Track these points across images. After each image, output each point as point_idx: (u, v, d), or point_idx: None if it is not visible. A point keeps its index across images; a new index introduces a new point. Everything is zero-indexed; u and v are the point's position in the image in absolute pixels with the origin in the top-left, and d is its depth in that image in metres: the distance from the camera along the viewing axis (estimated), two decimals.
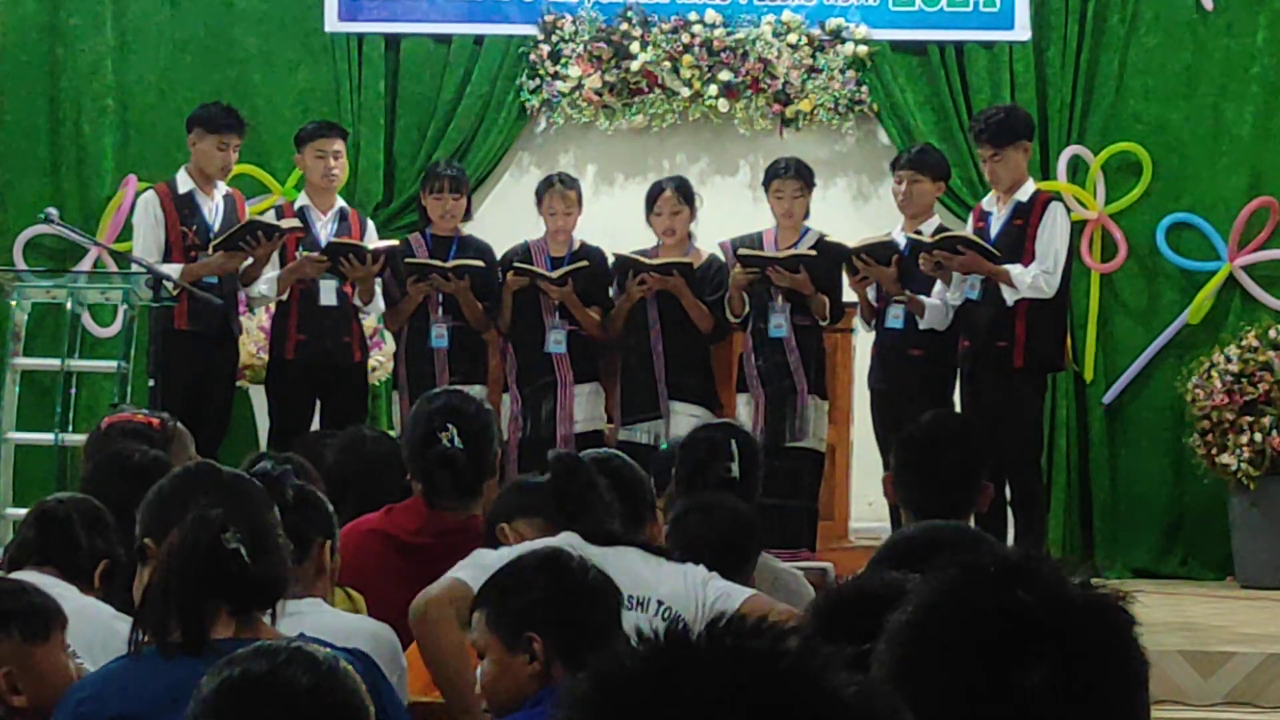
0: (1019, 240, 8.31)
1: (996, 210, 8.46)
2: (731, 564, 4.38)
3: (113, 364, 8.60)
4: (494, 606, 3.39)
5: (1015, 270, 8.24)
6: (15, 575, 3.99)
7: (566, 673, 3.27)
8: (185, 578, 3.01)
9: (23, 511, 7.85)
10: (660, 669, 1.47)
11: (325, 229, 8.66)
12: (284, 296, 8.62)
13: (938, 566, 1.84)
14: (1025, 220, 8.34)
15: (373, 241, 8.65)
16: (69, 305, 8.61)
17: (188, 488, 3.22)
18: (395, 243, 8.83)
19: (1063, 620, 1.74)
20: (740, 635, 1.48)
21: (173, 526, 3.10)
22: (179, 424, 5.69)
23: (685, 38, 9.96)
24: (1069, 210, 8.81)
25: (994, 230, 8.39)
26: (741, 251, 8.44)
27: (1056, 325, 8.52)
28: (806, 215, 8.61)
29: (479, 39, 10.10)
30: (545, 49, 10.00)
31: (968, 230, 8.57)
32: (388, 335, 9.30)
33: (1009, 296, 8.26)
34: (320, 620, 3.53)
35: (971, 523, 4.65)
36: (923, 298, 8.38)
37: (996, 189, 8.49)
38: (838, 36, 9.96)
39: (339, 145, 8.74)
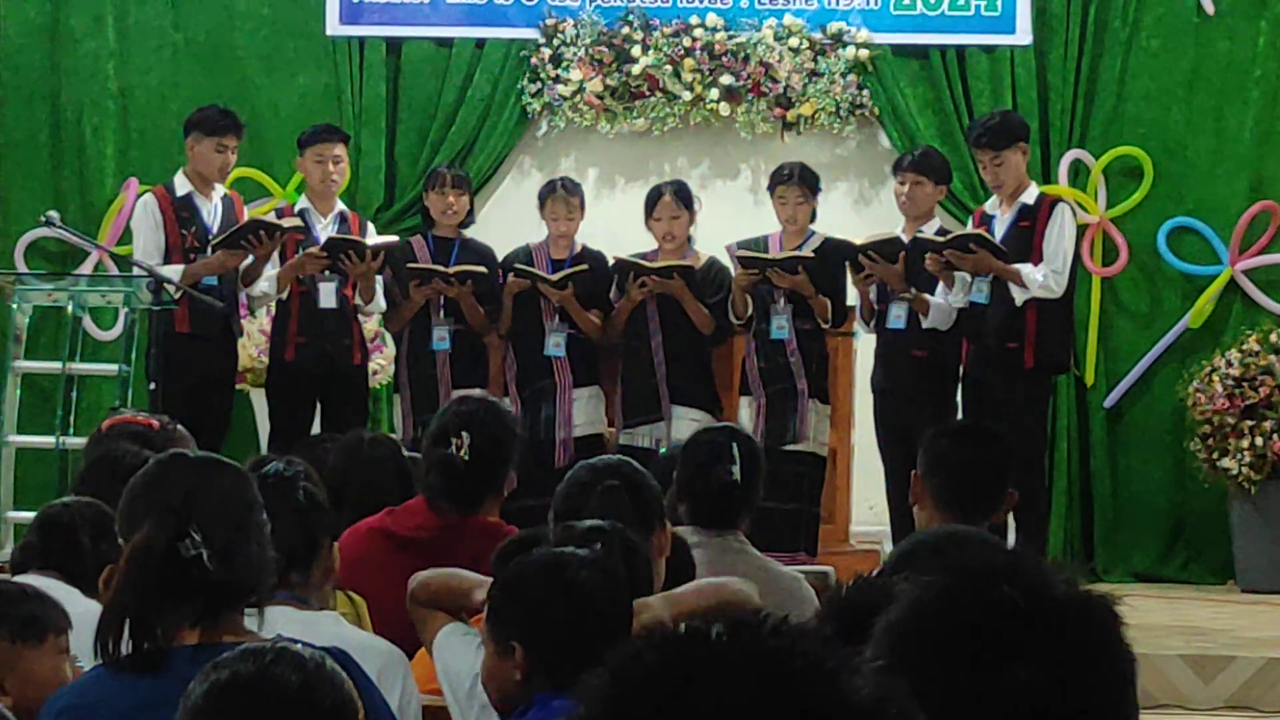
0: (1026, 242, 8.31)
1: (1000, 214, 8.46)
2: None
3: (114, 367, 8.61)
4: (493, 603, 3.34)
5: (1026, 269, 8.24)
6: (18, 579, 3.99)
7: (550, 685, 3.21)
8: (139, 589, 2.93)
9: (23, 514, 7.90)
10: (677, 666, 1.47)
11: (325, 232, 8.65)
12: (284, 296, 8.62)
13: (922, 570, 1.85)
14: (1032, 222, 8.35)
15: (372, 239, 8.65)
16: (70, 308, 8.61)
17: (156, 482, 3.09)
18: (394, 238, 8.83)
19: (1049, 616, 1.76)
20: (758, 635, 1.49)
21: (141, 525, 3.00)
22: (179, 426, 5.70)
23: (686, 41, 9.96)
24: (1075, 212, 8.81)
25: (998, 233, 8.39)
26: (740, 253, 8.45)
27: (1065, 326, 8.54)
28: (812, 219, 8.61)
29: (480, 42, 10.10)
30: (546, 52, 10.01)
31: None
32: (388, 338, 9.31)
33: (1019, 296, 8.26)
34: (335, 634, 3.50)
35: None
36: (926, 296, 8.38)
37: (999, 194, 8.48)
38: (839, 40, 9.96)
39: (340, 150, 8.73)
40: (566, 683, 3.15)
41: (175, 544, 2.94)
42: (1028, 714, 1.73)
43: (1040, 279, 8.24)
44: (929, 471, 4.58)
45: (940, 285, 8.39)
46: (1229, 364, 9.38)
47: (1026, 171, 8.62)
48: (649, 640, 1.50)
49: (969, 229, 8.57)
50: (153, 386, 8.01)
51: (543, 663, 3.23)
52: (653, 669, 1.48)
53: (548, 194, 8.76)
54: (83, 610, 3.77)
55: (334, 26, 10.06)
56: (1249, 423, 9.25)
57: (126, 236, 9.32)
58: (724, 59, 9.94)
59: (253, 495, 3.11)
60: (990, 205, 8.58)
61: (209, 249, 8.43)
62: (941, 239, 8.33)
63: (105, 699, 2.94)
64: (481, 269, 8.54)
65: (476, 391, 8.33)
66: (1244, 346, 9.44)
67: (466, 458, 4.84)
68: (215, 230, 8.48)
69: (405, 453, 5.54)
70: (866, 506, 9.21)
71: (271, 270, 8.58)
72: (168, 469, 3.12)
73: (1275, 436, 9.20)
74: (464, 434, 4.84)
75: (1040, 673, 1.73)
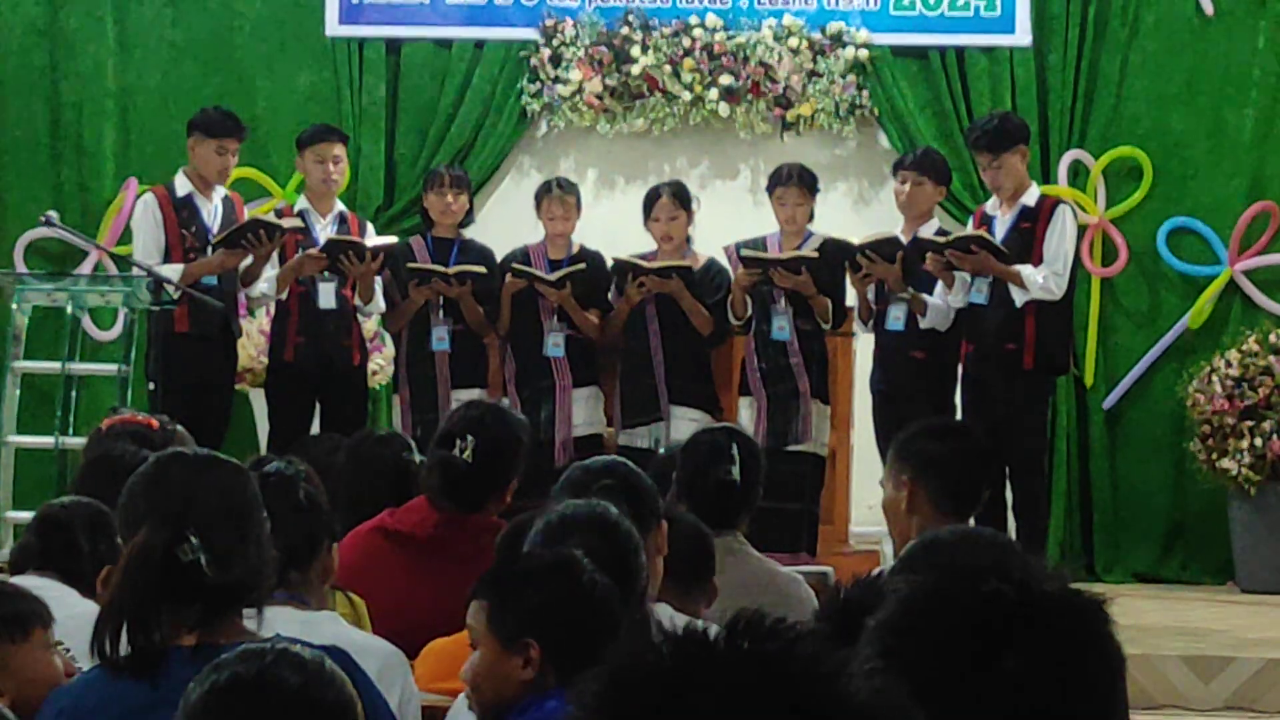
0: (1027, 243, 8.31)
1: (1000, 214, 8.46)
2: (689, 579, 4.41)
3: (113, 367, 8.60)
4: (496, 603, 3.30)
5: (1027, 270, 8.24)
6: (15, 579, 4.00)
7: (558, 682, 3.20)
8: (136, 592, 2.90)
9: (23, 515, 7.89)
10: (676, 669, 1.48)
11: (325, 232, 8.66)
12: (283, 297, 8.62)
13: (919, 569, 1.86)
14: (1033, 223, 8.34)
15: (371, 240, 8.66)
16: (69, 308, 8.61)
17: (154, 483, 3.06)
18: (394, 239, 8.84)
19: (1037, 610, 1.77)
20: (756, 637, 1.49)
21: (140, 525, 2.98)
22: (179, 426, 5.70)
23: (686, 42, 9.97)
24: (1076, 214, 8.81)
25: (999, 234, 8.38)
26: (744, 253, 8.45)
27: (1064, 327, 8.54)
28: (810, 219, 8.61)
29: (480, 43, 10.10)
30: (546, 53, 10.00)
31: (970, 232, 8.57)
32: (387, 338, 9.31)
33: (1018, 297, 8.26)
34: (334, 634, 3.49)
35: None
36: (924, 296, 8.38)
37: (999, 196, 8.47)
38: (838, 41, 9.96)
39: (339, 150, 8.73)
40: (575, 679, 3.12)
41: (173, 548, 2.92)
42: (1015, 706, 1.73)
43: (1040, 281, 8.23)
44: (921, 475, 4.54)
45: (939, 285, 8.39)
46: (1228, 364, 9.38)
47: (1027, 173, 8.61)
48: (647, 641, 1.50)
49: (970, 230, 8.57)
50: (152, 386, 8.01)
51: (557, 659, 3.22)
52: (651, 670, 1.48)
53: (544, 194, 8.76)
54: (81, 610, 3.77)
55: (333, 27, 10.05)
56: (1248, 423, 9.25)
57: (126, 236, 9.33)
58: (723, 59, 9.94)
59: (252, 493, 3.09)
60: (990, 206, 8.57)
61: (209, 249, 8.44)
62: (942, 239, 8.34)
63: (104, 701, 2.94)
64: (481, 269, 8.55)
65: (476, 392, 8.37)
66: (1243, 347, 9.44)
67: (469, 460, 4.85)
68: (215, 230, 8.48)
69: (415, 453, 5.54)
70: (866, 507, 9.19)
71: (271, 271, 8.58)
72: (166, 469, 3.09)
73: (1275, 437, 9.20)
74: (469, 437, 4.86)
75: (1028, 665, 1.74)
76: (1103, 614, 1.81)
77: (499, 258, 8.75)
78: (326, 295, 8.59)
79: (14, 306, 8.69)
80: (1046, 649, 1.75)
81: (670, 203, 8.60)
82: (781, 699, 1.46)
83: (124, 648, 2.93)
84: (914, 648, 1.76)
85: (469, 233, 8.90)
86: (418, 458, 5.41)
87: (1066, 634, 1.77)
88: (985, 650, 1.74)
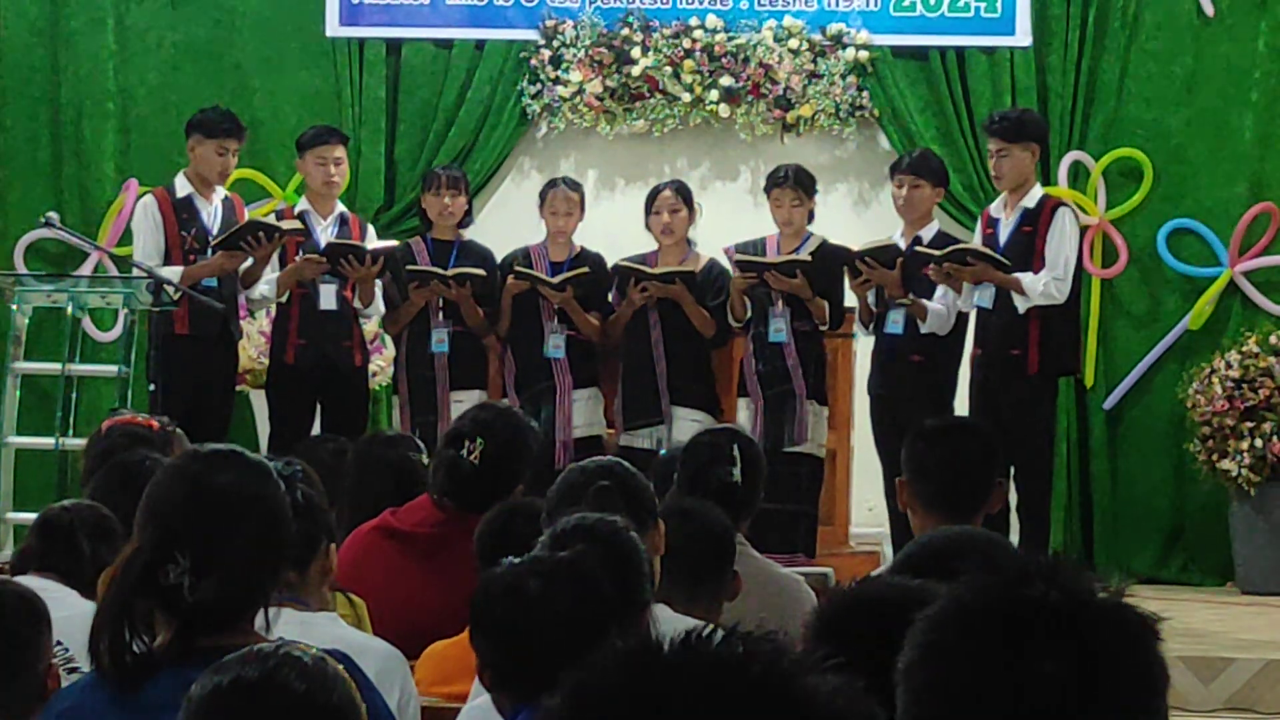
0: (1028, 247, 8.30)
1: (1004, 217, 8.45)
2: (706, 572, 4.40)
3: (113, 368, 8.61)
4: (470, 627, 3.31)
5: (1027, 279, 8.23)
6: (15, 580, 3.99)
7: (517, 699, 3.15)
8: (121, 602, 2.86)
9: (23, 516, 7.90)
10: (634, 679, 1.47)
11: (325, 234, 8.65)
12: (284, 299, 8.62)
13: (968, 571, 1.86)
14: (1034, 227, 8.34)
15: (372, 243, 8.66)
16: (69, 309, 8.60)
17: (159, 490, 2.97)
18: (394, 243, 8.84)
19: (1084, 618, 1.77)
20: (709, 643, 1.49)
21: (142, 531, 2.92)
22: (178, 428, 5.71)
23: (686, 43, 9.96)
24: (1077, 215, 8.81)
25: (1003, 237, 8.38)
26: (737, 256, 8.46)
27: (1070, 330, 8.52)
28: (811, 220, 8.61)
29: (480, 44, 10.10)
30: (546, 54, 10.00)
31: (976, 237, 8.57)
32: (388, 340, 9.30)
33: (1021, 305, 8.26)
34: (333, 635, 3.48)
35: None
36: (924, 301, 8.38)
37: (1000, 186, 8.48)
38: (839, 42, 9.96)
39: (340, 152, 8.73)
40: (529, 694, 3.10)
41: (159, 567, 2.86)
42: (1051, 707, 1.73)
43: (1040, 288, 8.22)
44: (911, 476, 4.56)
45: (939, 289, 8.39)
46: (1228, 366, 9.37)
47: (1034, 174, 8.60)
48: (605, 657, 1.50)
49: (975, 240, 8.55)
50: (152, 388, 8.01)
51: (500, 678, 3.20)
52: (610, 684, 1.48)
53: (548, 189, 8.77)
54: (81, 610, 3.77)
55: (334, 28, 10.05)
56: (1248, 424, 9.25)
57: (126, 238, 9.33)
58: (724, 60, 9.94)
59: (271, 492, 2.98)
60: (996, 208, 8.57)
61: (209, 249, 8.44)
62: (939, 252, 8.32)
63: (98, 708, 2.92)
64: (480, 271, 8.55)
65: (475, 394, 8.38)
66: (1244, 348, 9.43)
67: (476, 463, 4.85)
68: (215, 232, 8.48)
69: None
70: (865, 508, 9.21)
71: (272, 273, 8.58)
72: (176, 473, 3.00)
73: (1275, 438, 9.20)
74: (477, 439, 4.87)
75: (1067, 668, 1.73)
76: (1152, 630, 1.81)
77: (499, 259, 8.75)
78: (327, 297, 8.59)
79: (14, 307, 8.69)
80: (1088, 656, 1.74)
81: (673, 196, 8.61)
82: (743, 703, 1.46)
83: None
84: (955, 641, 1.76)
85: (469, 234, 8.90)
86: (424, 459, 5.42)
87: (1111, 644, 1.76)
88: (1025, 649, 1.74)
